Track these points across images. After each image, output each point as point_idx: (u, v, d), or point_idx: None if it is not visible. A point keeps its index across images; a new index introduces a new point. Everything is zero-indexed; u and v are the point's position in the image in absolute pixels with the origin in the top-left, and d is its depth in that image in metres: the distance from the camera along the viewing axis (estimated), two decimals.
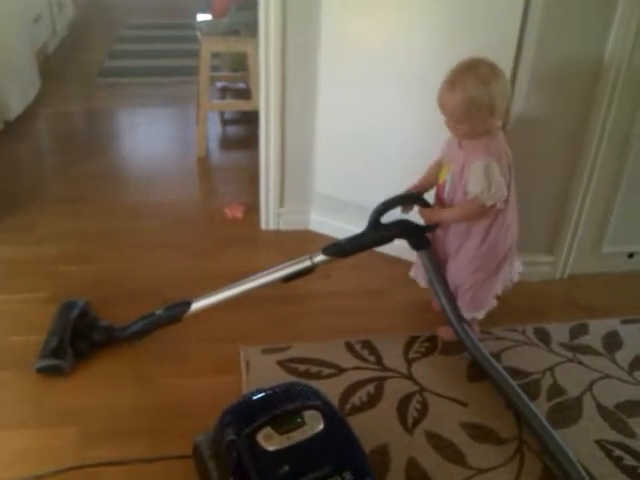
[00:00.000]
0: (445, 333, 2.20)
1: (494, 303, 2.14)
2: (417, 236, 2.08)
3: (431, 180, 2.12)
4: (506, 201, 1.96)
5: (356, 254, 2.08)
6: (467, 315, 2.11)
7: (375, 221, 2.03)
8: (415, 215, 2.11)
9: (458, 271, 2.09)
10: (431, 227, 2.09)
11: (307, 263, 2.03)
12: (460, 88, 1.85)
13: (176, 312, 2.05)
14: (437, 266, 2.09)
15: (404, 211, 2.12)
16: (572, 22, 2.15)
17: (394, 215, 2.07)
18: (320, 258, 2.04)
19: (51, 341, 2.02)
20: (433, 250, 2.10)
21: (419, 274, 2.27)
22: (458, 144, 2.00)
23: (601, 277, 2.63)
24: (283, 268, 2.04)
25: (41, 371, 1.98)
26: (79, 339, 2.06)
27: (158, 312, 2.07)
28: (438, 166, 2.10)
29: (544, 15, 2.10)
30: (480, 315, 2.14)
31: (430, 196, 2.14)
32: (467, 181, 1.94)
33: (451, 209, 2.04)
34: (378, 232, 2.05)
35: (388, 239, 2.07)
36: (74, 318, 2.11)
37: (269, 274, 2.04)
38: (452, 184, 2.01)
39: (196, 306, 2.04)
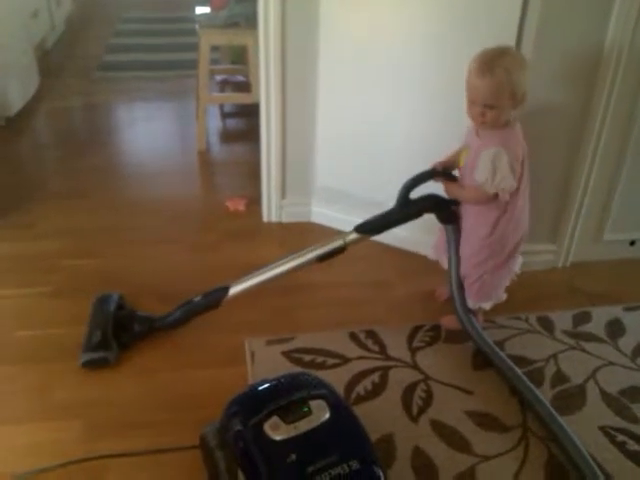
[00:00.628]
0: (449, 322, 2.20)
1: (503, 297, 2.15)
2: (445, 210, 2.08)
3: (454, 160, 2.09)
4: (515, 193, 1.95)
5: (387, 230, 2.09)
6: (474, 305, 2.12)
7: (404, 197, 2.03)
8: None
9: (465, 260, 2.09)
10: (458, 201, 2.08)
11: (340, 242, 2.05)
12: (500, 70, 1.81)
13: (215, 298, 2.06)
14: (459, 244, 2.09)
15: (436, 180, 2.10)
16: (572, 8, 2.14)
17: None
18: (352, 237, 2.06)
19: (93, 335, 2.04)
20: (460, 227, 2.09)
21: (441, 254, 2.24)
22: (475, 131, 1.98)
23: (603, 265, 2.63)
24: (317, 248, 2.06)
25: (87, 364, 2.00)
26: (121, 331, 2.08)
27: (196, 299, 2.08)
28: (461, 149, 2.08)
29: (544, 2, 2.09)
30: (487, 306, 2.15)
31: None
32: (476, 168, 1.94)
33: (463, 189, 2.03)
34: (408, 208, 2.05)
35: (417, 214, 2.06)
36: (113, 311, 2.12)
37: (304, 254, 2.06)
38: (467, 168, 2.00)
39: (234, 290, 2.05)
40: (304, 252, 2.06)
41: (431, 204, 2.06)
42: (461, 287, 2.10)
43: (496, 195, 1.93)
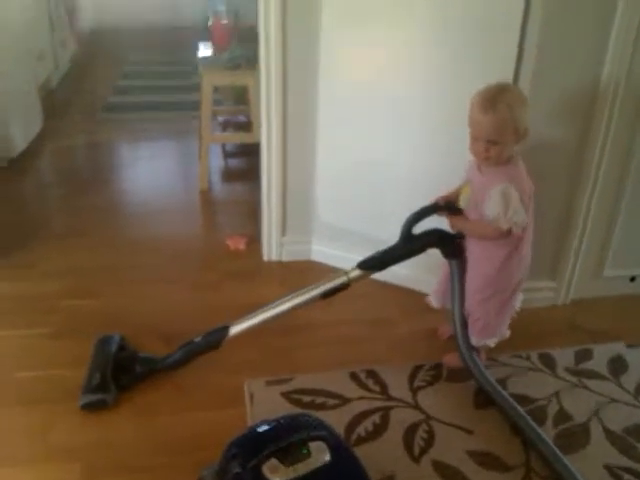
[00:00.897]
0: (451, 360, 2.19)
1: (507, 333, 2.15)
2: (450, 244, 2.07)
3: (458, 194, 2.09)
4: (525, 229, 1.96)
5: (391, 266, 2.08)
6: (478, 342, 2.11)
7: (407, 232, 2.03)
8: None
9: (469, 297, 2.08)
10: (462, 235, 2.07)
11: (343, 279, 2.05)
12: (503, 106, 1.84)
13: (215, 338, 2.06)
14: (464, 279, 2.08)
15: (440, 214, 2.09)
16: (569, 45, 2.18)
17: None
18: (355, 273, 2.06)
19: (93, 377, 2.03)
20: (464, 261, 2.08)
21: (443, 297, 2.25)
22: (478, 168, 1.99)
23: (604, 301, 2.63)
24: (320, 286, 2.06)
25: (86, 407, 1.99)
26: (121, 372, 2.07)
27: (197, 339, 2.08)
28: (464, 184, 2.08)
29: (541, 39, 2.13)
30: (492, 343, 2.13)
31: None
32: (486, 204, 1.93)
33: (472, 223, 2.02)
34: (411, 243, 2.05)
35: (421, 249, 2.06)
36: (114, 352, 2.12)
37: (306, 292, 2.06)
38: (470, 205, 2.00)
39: (235, 330, 2.05)
40: (307, 290, 2.06)
41: (435, 239, 2.05)
42: (464, 324, 2.09)
43: (509, 230, 1.92)
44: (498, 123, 1.85)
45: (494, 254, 2.01)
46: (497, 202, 1.89)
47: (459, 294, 2.08)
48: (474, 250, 2.06)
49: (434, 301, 2.30)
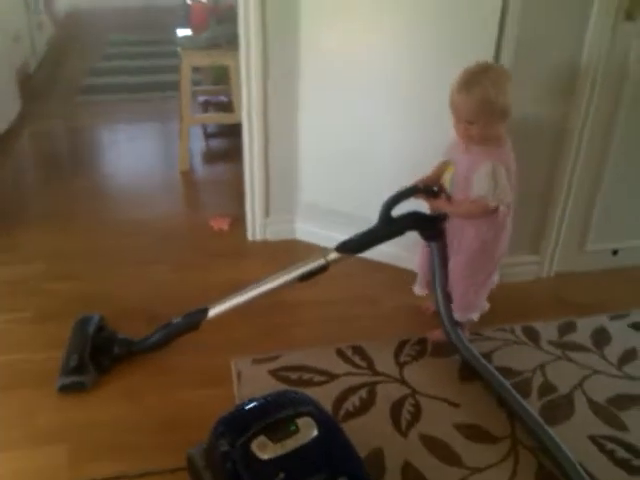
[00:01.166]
0: (436, 336, 2.20)
1: (487, 305, 2.17)
2: (428, 227, 2.07)
3: (438, 176, 2.09)
4: (509, 206, 1.97)
5: (369, 249, 2.07)
6: (462, 317, 2.13)
7: (386, 215, 2.02)
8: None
9: (455, 273, 2.09)
10: (442, 217, 2.06)
11: (321, 262, 2.04)
12: (477, 89, 1.84)
13: (194, 319, 2.05)
14: (445, 261, 2.08)
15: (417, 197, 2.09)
16: (549, 25, 2.18)
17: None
18: (333, 256, 2.05)
19: (71, 358, 2.01)
20: (445, 242, 2.08)
21: (422, 284, 2.28)
22: (464, 148, 1.99)
23: (587, 275, 2.65)
24: (298, 268, 2.05)
25: (64, 389, 1.97)
26: (100, 354, 2.06)
27: (175, 321, 2.07)
28: (444, 165, 2.08)
29: (521, 18, 2.13)
30: (475, 317, 2.15)
31: None
32: (472, 184, 1.93)
33: (456, 205, 2.02)
34: (390, 226, 2.04)
35: (400, 232, 2.05)
36: (92, 333, 2.10)
37: (285, 275, 2.05)
38: (455, 186, 2.00)
39: (213, 312, 2.05)
40: (285, 272, 2.05)
41: (414, 221, 2.05)
42: (448, 302, 2.10)
43: (496, 208, 1.92)
44: (474, 104, 1.86)
45: (480, 232, 2.02)
46: (485, 180, 1.89)
47: (440, 274, 2.09)
48: (459, 228, 2.06)
49: (418, 289, 2.31)
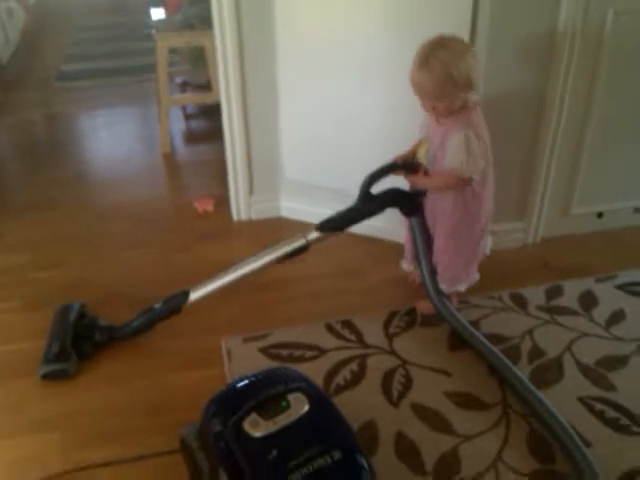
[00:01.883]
0: (424, 307, 2.21)
1: (477, 277, 2.17)
2: (407, 203, 2.06)
3: (416, 151, 2.10)
4: (485, 174, 1.96)
5: (349, 227, 2.07)
6: (449, 289, 2.13)
7: (365, 193, 2.01)
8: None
9: (439, 245, 2.10)
10: (420, 193, 2.07)
11: (302, 241, 2.03)
12: (436, 64, 1.83)
13: (175, 303, 2.04)
14: (426, 235, 2.09)
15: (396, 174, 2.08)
16: (521, 4, 2.18)
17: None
18: (314, 235, 2.04)
19: (52, 346, 2.01)
20: (424, 217, 2.08)
21: (409, 260, 2.28)
22: (436, 122, 1.98)
23: (573, 238, 2.66)
24: (278, 248, 2.03)
25: (46, 377, 1.97)
26: (81, 341, 2.05)
27: (157, 306, 2.06)
28: (420, 143, 2.08)
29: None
30: (462, 288, 2.16)
31: None
32: (447, 153, 1.93)
33: (432, 178, 2.02)
34: (369, 203, 2.03)
35: (380, 209, 2.04)
36: (73, 321, 2.09)
37: (265, 255, 2.03)
38: (433, 159, 1.99)
39: (195, 295, 2.03)
40: (265, 252, 2.04)
41: (393, 198, 2.05)
42: (433, 273, 2.10)
43: (470, 178, 1.92)
44: (433, 80, 1.85)
45: (458, 201, 2.02)
46: (458, 151, 1.89)
47: (423, 248, 2.10)
48: (439, 199, 2.06)
49: (405, 264, 2.32)
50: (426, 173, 2.04)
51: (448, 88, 1.85)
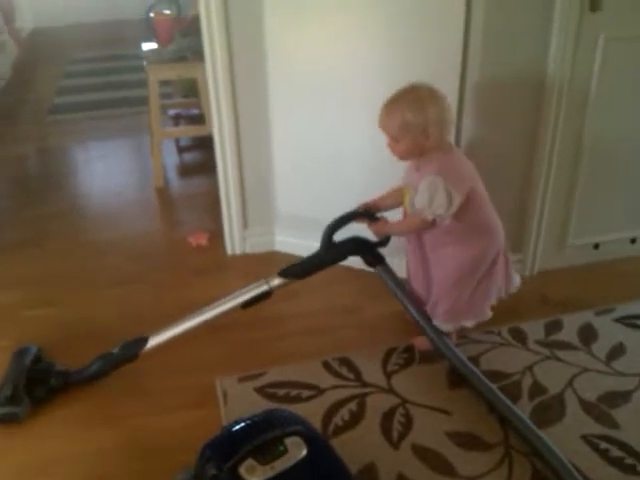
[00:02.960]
0: (420, 343, 2.18)
1: (489, 314, 2.12)
2: (369, 252, 2.11)
3: (387, 202, 2.13)
4: (467, 213, 1.94)
5: (312, 274, 2.09)
6: (452, 327, 2.10)
7: (328, 240, 2.06)
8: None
9: (441, 282, 2.07)
10: (383, 242, 2.11)
11: (264, 287, 2.05)
12: (396, 111, 1.90)
13: (132, 349, 2.02)
14: (397, 281, 2.11)
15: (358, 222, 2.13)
16: (512, 40, 2.20)
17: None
18: (277, 282, 2.06)
19: (5, 389, 1.96)
20: (388, 266, 2.11)
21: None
22: (415, 167, 2.00)
23: (570, 270, 2.64)
24: (240, 295, 2.05)
25: None
26: (35, 385, 2.00)
27: (114, 351, 2.03)
28: (400, 191, 2.08)
29: (485, 27, 2.14)
30: (469, 324, 2.12)
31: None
32: (416, 197, 1.94)
33: (397, 222, 2.07)
34: (331, 251, 2.08)
35: (342, 257, 2.10)
36: (28, 364, 2.05)
37: (226, 302, 2.04)
38: (411, 207, 1.99)
39: (153, 341, 2.02)
40: (229, 298, 2.05)
41: (355, 247, 2.10)
42: (424, 313, 2.09)
43: (433, 221, 1.93)
44: (394, 125, 1.91)
45: (457, 236, 1.99)
46: (423, 194, 1.91)
47: (401, 295, 2.10)
48: (438, 247, 2.04)
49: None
50: (385, 222, 2.10)
51: (405, 134, 1.90)
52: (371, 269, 2.51)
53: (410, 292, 2.15)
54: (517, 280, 2.18)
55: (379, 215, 2.13)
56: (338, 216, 2.06)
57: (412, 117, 1.87)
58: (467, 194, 1.91)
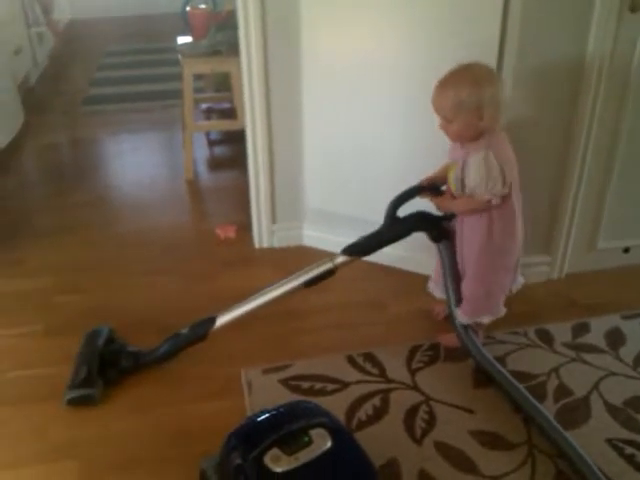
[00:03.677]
0: (447, 340, 2.18)
1: (502, 311, 2.12)
2: (435, 227, 2.05)
3: (443, 177, 2.07)
4: (507, 198, 1.93)
5: (376, 251, 2.06)
6: (471, 320, 2.08)
7: (392, 215, 2.00)
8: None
9: (468, 275, 2.06)
10: (448, 216, 2.05)
11: (328, 265, 2.02)
12: (450, 89, 1.86)
13: (202, 329, 2.04)
14: (454, 261, 2.07)
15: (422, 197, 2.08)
16: (552, 23, 2.16)
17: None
18: (341, 259, 2.03)
19: (80, 371, 2.00)
20: (452, 243, 2.06)
21: (437, 285, 2.24)
22: (461, 144, 1.97)
23: (599, 274, 2.62)
24: (305, 273, 2.03)
25: (72, 402, 1.96)
26: (107, 367, 2.04)
27: (183, 331, 2.06)
28: (447, 166, 2.06)
29: (524, 18, 2.11)
30: (485, 320, 2.11)
31: None
32: (468, 175, 1.91)
33: (457, 201, 2.00)
34: (396, 226, 2.02)
35: (406, 233, 2.03)
36: (100, 346, 2.08)
37: (292, 280, 2.03)
38: (459, 182, 1.96)
39: (221, 321, 2.03)
40: (293, 277, 2.04)
41: (420, 222, 2.03)
42: (460, 304, 2.07)
43: (489, 201, 1.90)
44: (448, 104, 1.87)
45: (481, 227, 1.98)
46: (477, 172, 1.88)
47: (451, 275, 2.07)
48: (465, 227, 2.03)
49: (436, 291, 2.28)
50: (453, 197, 2.02)
51: (460, 114, 1.86)
52: (401, 266, 2.52)
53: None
54: (521, 280, 2.17)
55: (443, 188, 2.07)
56: (402, 191, 2.01)
57: (467, 96, 1.83)
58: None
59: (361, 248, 2.05)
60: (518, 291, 2.17)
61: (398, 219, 2.01)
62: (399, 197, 2.00)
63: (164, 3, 6.90)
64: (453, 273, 2.07)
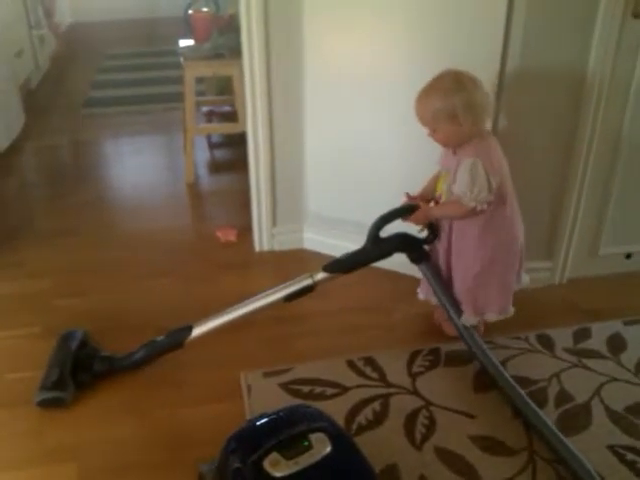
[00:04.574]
0: (451, 329, 2.17)
1: (512, 310, 2.12)
2: (416, 249, 2.09)
3: (431, 190, 2.10)
4: (500, 203, 1.94)
5: (357, 270, 2.07)
6: (473, 319, 2.07)
7: (374, 236, 2.03)
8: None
9: (462, 274, 2.07)
10: (429, 239, 2.08)
11: (308, 281, 2.03)
12: (424, 101, 1.91)
13: (178, 338, 2.03)
14: (439, 278, 2.09)
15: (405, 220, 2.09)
16: (555, 29, 2.16)
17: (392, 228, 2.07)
18: (321, 276, 2.05)
19: (51, 373, 1.99)
20: (434, 263, 2.10)
21: (428, 292, 2.24)
22: (453, 151, 1.98)
23: (600, 279, 2.61)
24: (284, 288, 2.04)
25: (42, 404, 1.95)
26: (80, 370, 2.03)
27: (159, 339, 2.05)
28: (435, 178, 2.09)
29: (527, 23, 2.11)
30: (492, 318, 2.11)
31: None
32: (454, 181, 1.93)
33: (438, 207, 2.03)
34: (377, 247, 2.04)
35: (387, 253, 2.06)
36: (74, 349, 2.07)
37: (270, 294, 2.04)
38: (448, 191, 1.98)
39: (198, 331, 2.02)
40: (272, 291, 2.05)
41: (401, 243, 2.07)
42: (458, 311, 2.07)
43: (474, 208, 1.90)
44: (426, 114, 1.92)
45: (472, 232, 2.00)
46: (464, 178, 1.89)
47: (442, 293, 2.09)
48: (456, 231, 2.04)
49: (420, 294, 2.29)
50: (436, 203, 2.05)
51: (439, 122, 1.89)
52: (402, 270, 2.52)
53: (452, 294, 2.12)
54: (526, 279, 2.17)
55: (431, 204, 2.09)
56: (385, 212, 2.03)
57: (440, 106, 1.87)
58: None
59: (342, 266, 2.07)
60: (519, 296, 2.16)
61: (380, 239, 2.04)
62: (382, 218, 2.03)
63: (166, 6, 6.92)
64: (442, 289, 2.09)
